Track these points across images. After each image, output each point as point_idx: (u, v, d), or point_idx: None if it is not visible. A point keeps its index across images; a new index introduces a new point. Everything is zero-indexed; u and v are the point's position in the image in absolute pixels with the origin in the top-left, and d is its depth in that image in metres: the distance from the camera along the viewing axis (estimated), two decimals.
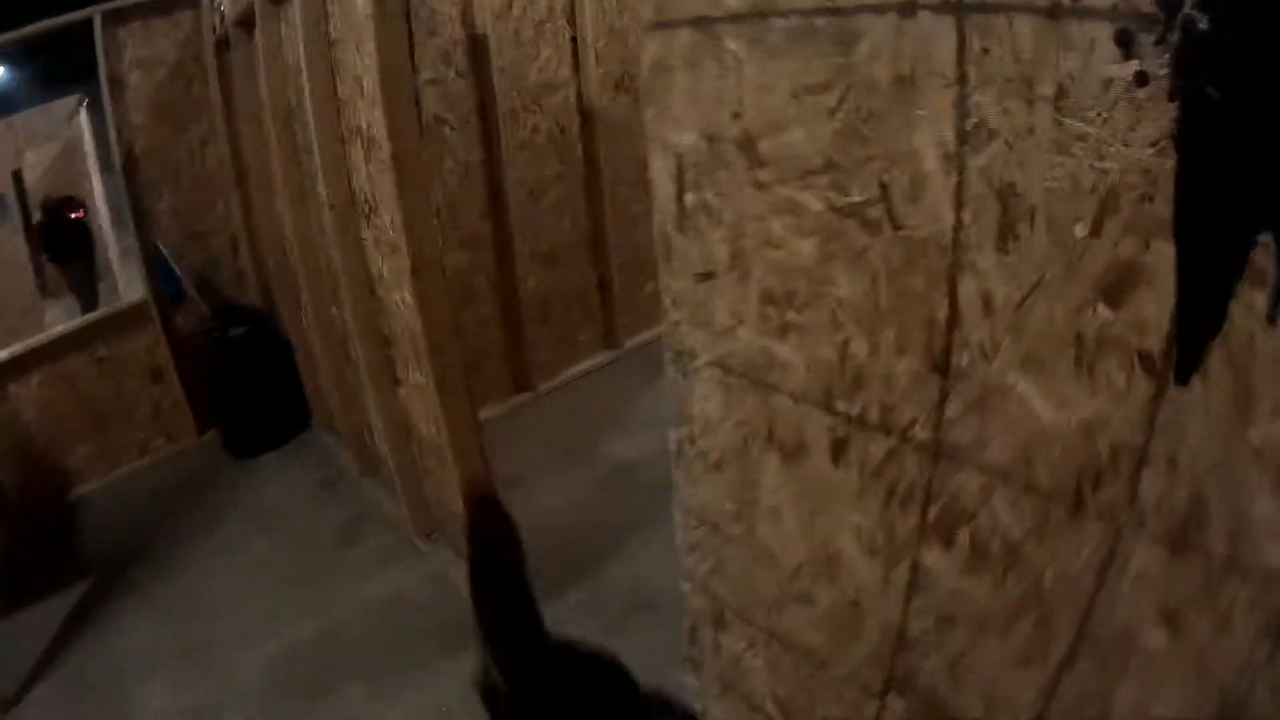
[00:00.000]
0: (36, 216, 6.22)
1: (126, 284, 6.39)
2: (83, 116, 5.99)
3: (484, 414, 2.85)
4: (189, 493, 3.59)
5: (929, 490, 0.86)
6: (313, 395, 3.71)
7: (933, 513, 0.87)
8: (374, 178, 2.06)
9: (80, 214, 6.11)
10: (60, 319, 6.36)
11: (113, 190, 6.24)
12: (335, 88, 2.17)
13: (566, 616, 2.20)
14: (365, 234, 2.24)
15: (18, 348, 4.07)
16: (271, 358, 3.72)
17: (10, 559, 3.38)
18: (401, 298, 2.09)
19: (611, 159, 3.64)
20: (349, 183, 2.23)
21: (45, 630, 2.83)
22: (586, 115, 3.55)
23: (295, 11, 2.25)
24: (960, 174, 0.72)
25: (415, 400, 2.32)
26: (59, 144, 6.16)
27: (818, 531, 1.00)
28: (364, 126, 2.03)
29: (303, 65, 2.19)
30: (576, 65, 3.49)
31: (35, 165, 6.25)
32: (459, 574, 2.45)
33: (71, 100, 5.95)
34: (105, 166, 6.20)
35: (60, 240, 6.08)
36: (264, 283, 3.93)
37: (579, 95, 3.51)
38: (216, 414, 3.86)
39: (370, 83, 1.90)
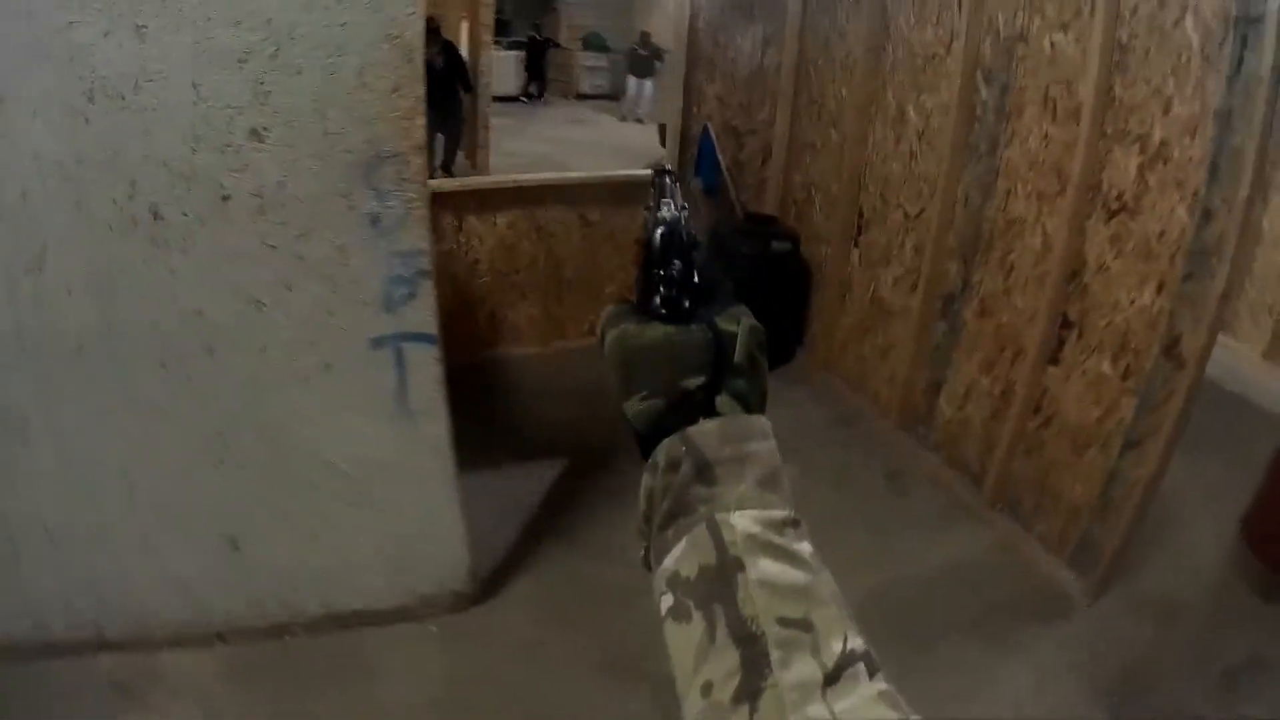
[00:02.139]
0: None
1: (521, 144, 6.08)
2: None
3: None
4: None
5: None
6: (820, 332, 3.57)
7: None
8: (1145, 185, 2.15)
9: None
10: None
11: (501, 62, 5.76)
12: (1112, 86, 2.22)
13: None
14: (1093, 224, 2.30)
15: (489, 181, 3.90)
16: (795, 282, 3.58)
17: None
18: (1134, 297, 2.19)
19: None
20: (1097, 173, 2.28)
21: (494, 500, 2.40)
22: None
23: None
24: None
25: (1075, 385, 2.38)
26: None
27: None
28: (1153, 138, 2.12)
29: (1088, 60, 2.25)
30: None
31: None
32: (1030, 549, 2.45)
33: None
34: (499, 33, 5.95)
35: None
36: (785, 200, 3.72)
37: None
38: None
39: (1187, 111, 1.99)
